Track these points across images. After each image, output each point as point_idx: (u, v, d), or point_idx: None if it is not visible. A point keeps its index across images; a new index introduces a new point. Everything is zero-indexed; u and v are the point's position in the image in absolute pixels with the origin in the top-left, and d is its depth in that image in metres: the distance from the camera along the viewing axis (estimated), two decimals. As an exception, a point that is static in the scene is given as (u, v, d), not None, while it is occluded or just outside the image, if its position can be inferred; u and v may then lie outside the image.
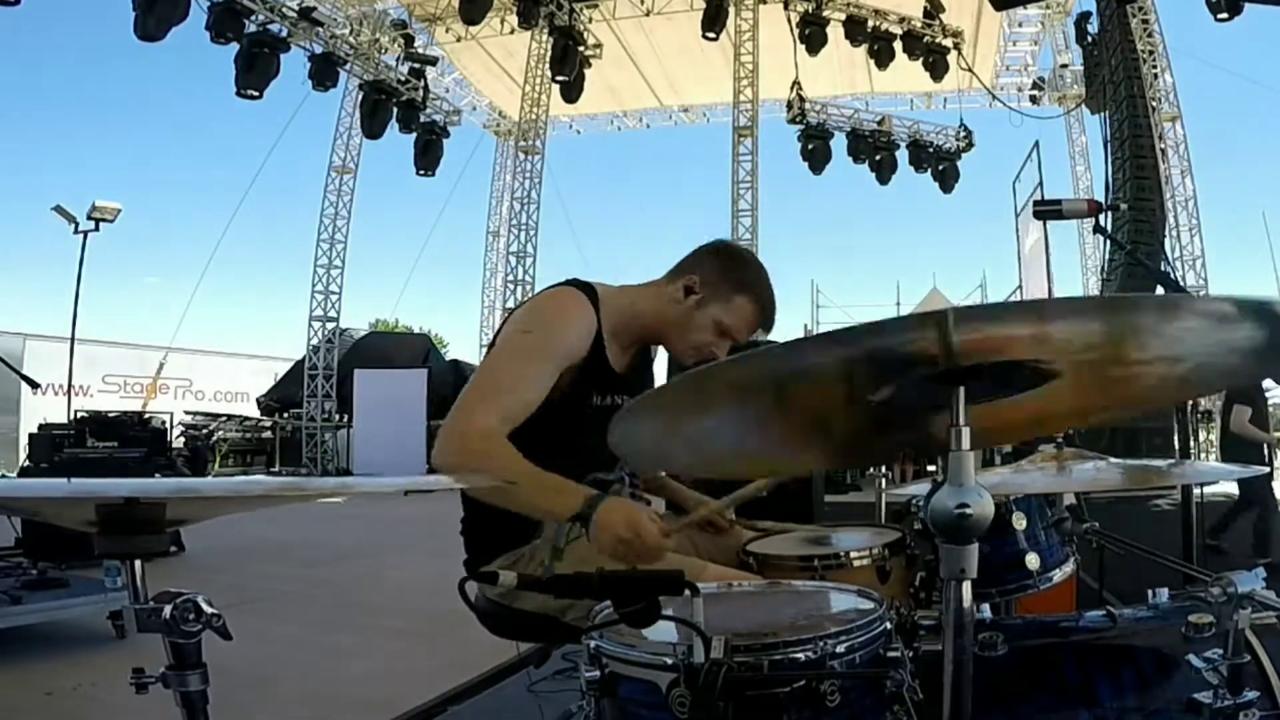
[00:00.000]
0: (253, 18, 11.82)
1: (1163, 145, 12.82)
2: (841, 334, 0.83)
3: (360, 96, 14.36)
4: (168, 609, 0.84)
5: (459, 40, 15.71)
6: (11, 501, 1.08)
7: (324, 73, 13.20)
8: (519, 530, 1.67)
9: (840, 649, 0.94)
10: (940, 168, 15.64)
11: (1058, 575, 1.59)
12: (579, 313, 1.68)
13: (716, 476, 1.86)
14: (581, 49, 14.04)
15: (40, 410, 11.23)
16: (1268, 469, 5.97)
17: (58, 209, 11.65)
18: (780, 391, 0.97)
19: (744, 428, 1.09)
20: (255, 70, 11.78)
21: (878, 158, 15.47)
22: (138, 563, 0.86)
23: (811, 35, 13.54)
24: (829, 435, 1.14)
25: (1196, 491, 2.59)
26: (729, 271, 1.74)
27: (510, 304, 15.67)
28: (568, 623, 1.55)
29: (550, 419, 1.58)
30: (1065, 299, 0.81)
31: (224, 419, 16.44)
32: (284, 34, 12.31)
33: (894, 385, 0.97)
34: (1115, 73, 11.71)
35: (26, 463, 9.50)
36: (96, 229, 11.52)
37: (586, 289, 1.73)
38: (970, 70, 14.30)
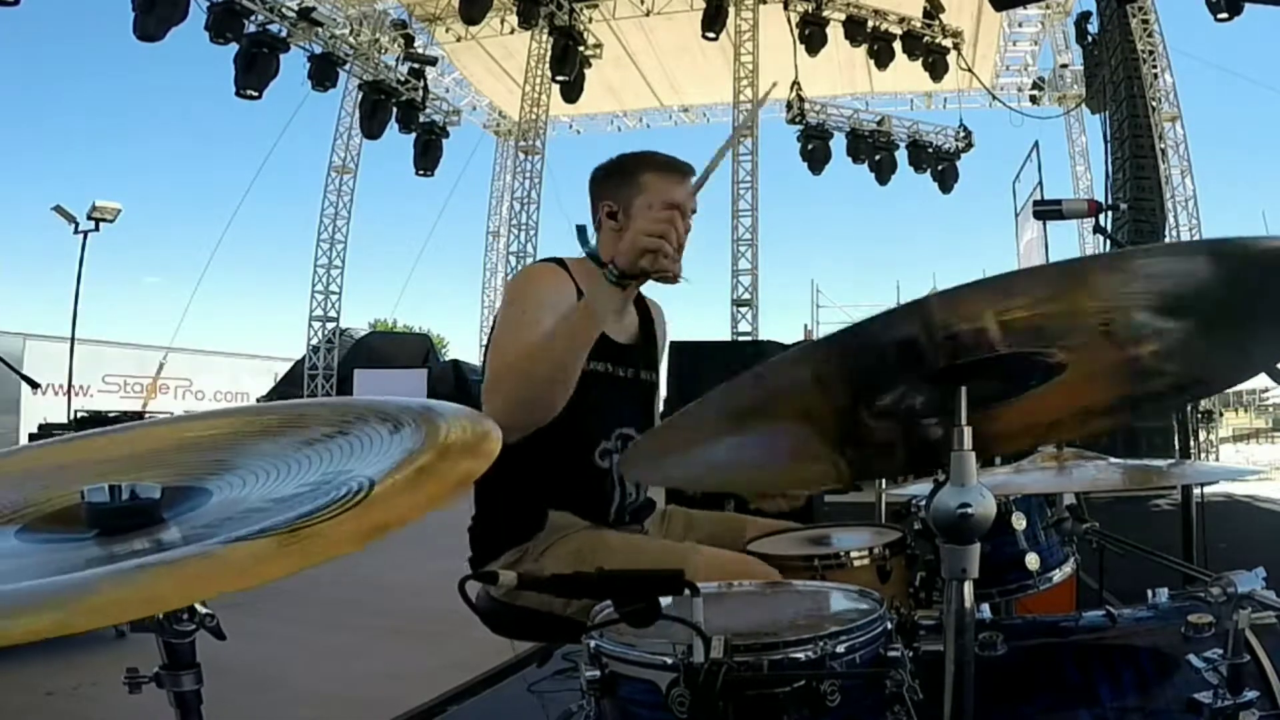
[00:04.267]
0: (252, 18, 11.82)
1: (1163, 145, 12.83)
2: (824, 341, 0.83)
3: (360, 96, 14.36)
4: (161, 609, 0.83)
5: (459, 40, 15.71)
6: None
7: (323, 73, 13.20)
8: (524, 526, 1.69)
9: (840, 649, 0.94)
10: (939, 168, 15.64)
11: (1057, 575, 1.59)
12: (555, 277, 1.76)
13: (717, 490, 1.88)
14: (581, 49, 14.04)
15: (40, 410, 11.24)
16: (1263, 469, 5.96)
17: (58, 209, 11.66)
18: (778, 409, 0.97)
19: (744, 449, 1.09)
20: (255, 70, 11.78)
21: (877, 158, 15.47)
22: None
23: (811, 35, 13.54)
24: (832, 450, 1.14)
25: (1196, 491, 2.59)
26: (617, 170, 1.84)
27: (510, 304, 15.66)
28: (569, 618, 1.55)
29: None
30: (1024, 270, 0.82)
31: (224, 419, 16.42)
32: (283, 34, 12.31)
33: (896, 391, 0.97)
34: (1115, 73, 11.71)
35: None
36: (96, 229, 11.52)
37: (555, 261, 1.82)
38: (970, 70, 14.29)
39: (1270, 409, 21.70)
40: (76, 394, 11.52)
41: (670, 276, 1.56)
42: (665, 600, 0.92)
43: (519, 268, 15.58)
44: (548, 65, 14.38)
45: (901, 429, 1.09)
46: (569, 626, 1.56)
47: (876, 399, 0.99)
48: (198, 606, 0.84)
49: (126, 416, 9.35)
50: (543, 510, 1.70)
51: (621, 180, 1.81)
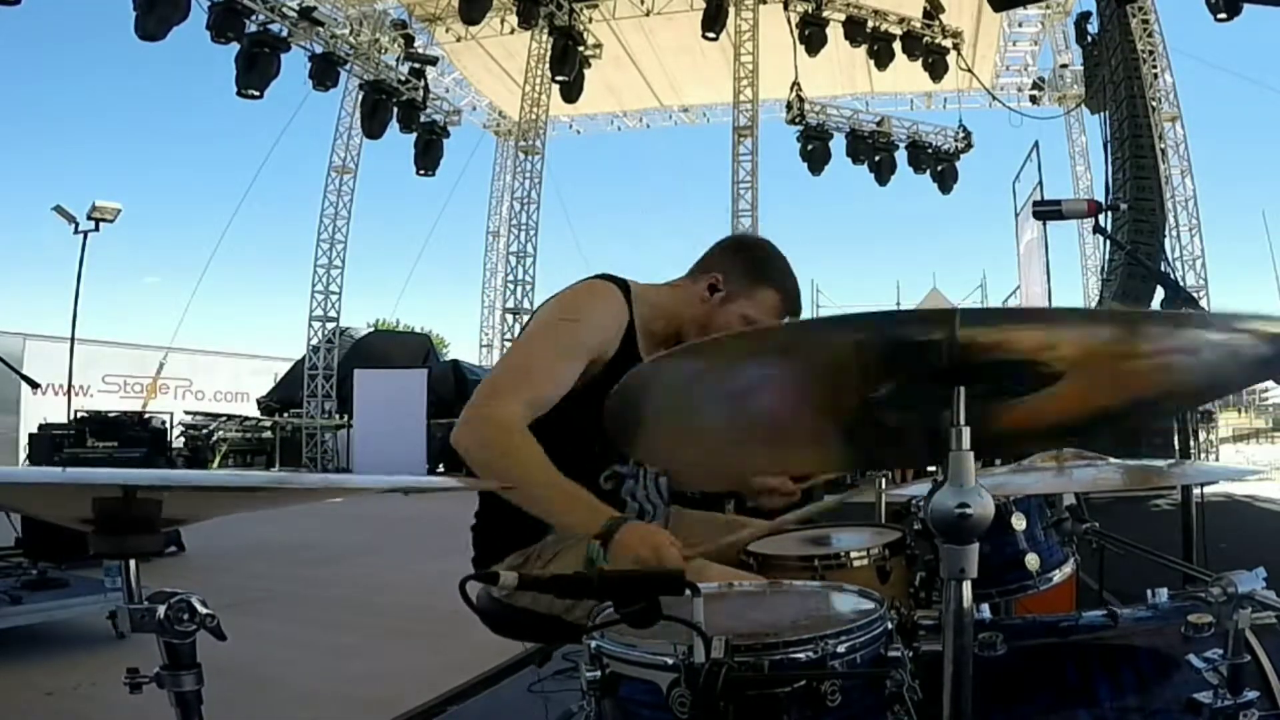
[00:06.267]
0: (253, 17, 11.83)
1: (1163, 145, 12.83)
2: (854, 318, 0.83)
3: (360, 96, 14.37)
4: (161, 609, 0.83)
5: (459, 40, 15.72)
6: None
7: (324, 73, 13.21)
8: (531, 529, 1.66)
9: (841, 649, 0.94)
10: (939, 169, 15.65)
11: (1057, 575, 1.59)
12: (615, 307, 1.69)
13: (719, 485, 1.84)
14: (581, 49, 14.05)
15: (40, 410, 11.24)
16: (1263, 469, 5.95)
17: (58, 209, 11.65)
18: (783, 379, 0.96)
19: (744, 425, 1.09)
20: (256, 70, 11.79)
21: (876, 158, 15.49)
22: (132, 562, 0.86)
23: (811, 36, 13.54)
24: (831, 436, 1.14)
25: (1196, 491, 2.58)
26: (751, 265, 1.77)
27: (510, 304, 15.71)
28: (570, 621, 1.55)
29: (571, 408, 1.58)
30: (1076, 310, 0.82)
31: (224, 419, 16.47)
32: (284, 34, 12.32)
33: (895, 382, 0.97)
34: (1115, 73, 11.71)
35: (26, 462, 9.51)
36: (96, 229, 11.52)
37: (620, 284, 1.75)
38: (970, 70, 14.30)
39: (1270, 409, 21.71)
40: (76, 394, 11.51)
41: None
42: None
43: (519, 268, 15.60)
44: (548, 65, 14.39)
45: (899, 419, 1.09)
46: (570, 628, 1.56)
47: (873, 388, 0.99)
48: (198, 606, 0.84)
49: (127, 416, 9.34)
50: None
51: (749, 275, 1.75)
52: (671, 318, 1.77)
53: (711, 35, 13.46)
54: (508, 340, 15.70)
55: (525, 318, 13.54)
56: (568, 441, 1.52)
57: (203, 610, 0.84)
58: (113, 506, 0.80)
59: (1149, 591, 1.21)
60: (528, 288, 15.41)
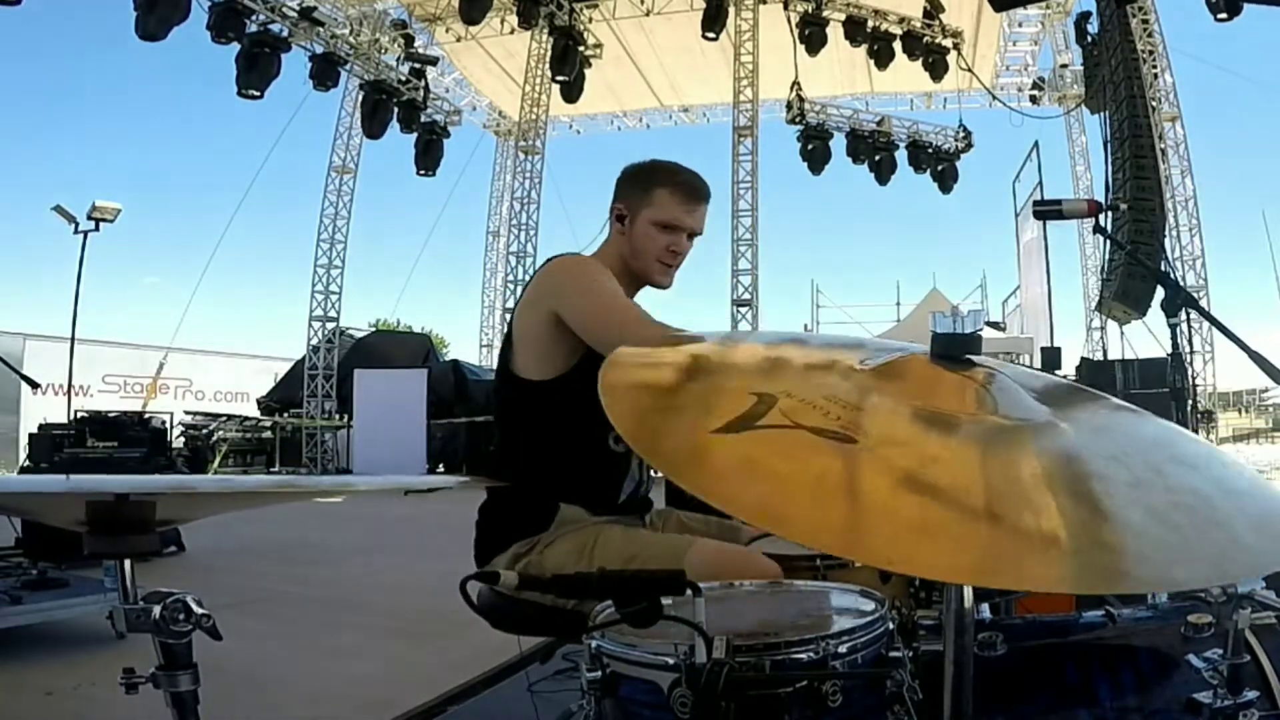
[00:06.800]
0: (253, 17, 11.83)
1: (1163, 145, 12.83)
2: None
3: (361, 96, 14.37)
4: (157, 609, 0.83)
5: (459, 40, 15.73)
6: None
7: (325, 73, 13.21)
8: (535, 519, 1.70)
9: (842, 649, 0.94)
10: (939, 168, 15.65)
11: (1058, 575, 1.58)
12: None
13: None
14: (581, 49, 14.05)
15: (40, 410, 11.25)
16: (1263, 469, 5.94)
17: (58, 209, 11.65)
18: None
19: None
20: (256, 70, 11.79)
21: (877, 158, 15.49)
22: (127, 563, 0.86)
23: (811, 35, 13.55)
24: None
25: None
26: (637, 179, 1.88)
27: (510, 304, 15.69)
28: (573, 611, 1.54)
29: (579, 379, 1.63)
30: None
31: (224, 419, 16.46)
32: (285, 34, 12.32)
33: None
34: (1115, 73, 11.70)
35: (26, 462, 9.52)
36: (96, 229, 11.52)
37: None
38: (970, 70, 14.30)
39: (1270, 409, 21.70)
40: (76, 394, 11.51)
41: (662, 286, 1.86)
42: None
43: (519, 268, 15.59)
44: (548, 65, 14.39)
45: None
46: (571, 621, 1.55)
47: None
48: (194, 606, 0.84)
49: (126, 416, 9.35)
50: (554, 503, 1.71)
51: (638, 187, 1.85)
52: (615, 264, 1.86)
53: (711, 35, 13.47)
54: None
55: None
56: (578, 405, 1.54)
57: (198, 610, 0.84)
58: (106, 508, 0.80)
59: (1149, 592, 1.21)
60: (528, 288, 15.38)
